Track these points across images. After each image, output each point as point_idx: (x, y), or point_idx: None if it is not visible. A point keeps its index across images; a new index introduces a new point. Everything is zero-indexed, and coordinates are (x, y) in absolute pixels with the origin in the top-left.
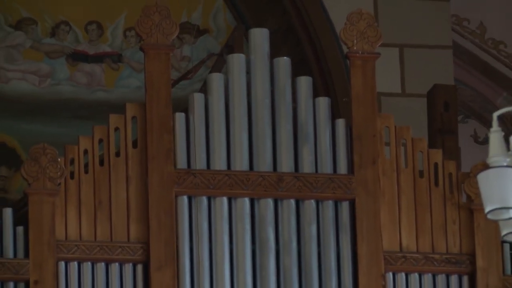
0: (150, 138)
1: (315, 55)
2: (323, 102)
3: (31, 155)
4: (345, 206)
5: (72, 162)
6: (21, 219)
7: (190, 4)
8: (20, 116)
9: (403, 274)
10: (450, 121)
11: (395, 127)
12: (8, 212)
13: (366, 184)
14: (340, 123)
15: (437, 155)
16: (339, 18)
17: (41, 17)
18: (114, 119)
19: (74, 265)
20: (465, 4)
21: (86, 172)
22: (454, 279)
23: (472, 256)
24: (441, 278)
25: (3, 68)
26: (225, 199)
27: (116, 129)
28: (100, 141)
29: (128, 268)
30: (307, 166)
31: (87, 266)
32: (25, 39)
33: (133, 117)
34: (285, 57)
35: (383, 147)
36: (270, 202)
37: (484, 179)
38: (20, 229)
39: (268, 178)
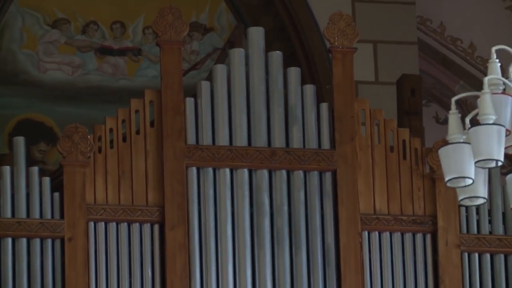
0: (165, 119)
1: (303, 49)
2: (310, 89)
3: (65, 133)
4: (328, 176)
5: (99, 139)
6: (57, 186)
7: (198, 7)
8: (56, 101)
9: (377, 233)
10: (416, 104)
11: (370, 110)
12: (46, 181)
13: (346, 158)
14: (324, 106)
15: (405, 133)
16: (322, 19)
17: (73, 17)
18: (134, 103)
19: (101, 225)
20: (428, 7)
21: (111, 147)
22: (419, 237)
23: (434, 218)
24: (408, 236)
25: (42, 60)
26: (227, 170)
27: (136, 111)
28: (123, 121)
29: (146, 227)
30: (296, 143)
31: (112, 225)
32: (60, 36)
33: (151, 101)
34: (277, 51)
35: (359, 126)
36: (265, 172)
37: (444, 153)
38: (56, 195)
39: (264, 152)
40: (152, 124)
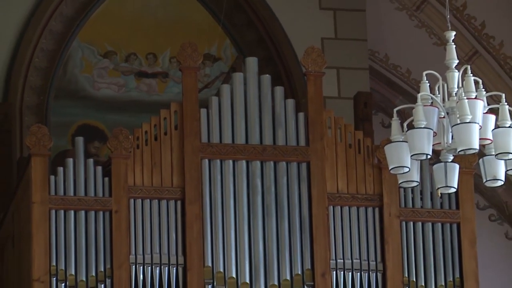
0: (185, 124)
1: (286, 73)
2: (291, 102)
3: (113, 134)
4: (304, 166)
5: (138, 138)
6: (107, 173)
7: (210, 42)
8: (106, 111)
9: (339, 207)
10: (368, 113)
11: (334, 117)
12: (99, 169)
13: (317, 152)
14: (301, 115)
15: (360, 134)
16: (300, 51)
17: (119, 50)
18: (163, 112)
19: (139, 201)
20: (376, 43)
21: (146, 144)
22: (370, 210)
23: (381, 196)
24: (362, 210)
25: (96, 81)
26: (231, 162)
27: (165, 118)
28: (155, 125)
29: (171, 203)
30: (281, 141)
31: (147, 201)
32: (109, 64)
33: (175, 111)
34: (267, 75)
35: (327, 129)
36: (258, 163)
37: (388, 149)
38: (106, 179)
39: (257, 148)
40: (176, 128)
